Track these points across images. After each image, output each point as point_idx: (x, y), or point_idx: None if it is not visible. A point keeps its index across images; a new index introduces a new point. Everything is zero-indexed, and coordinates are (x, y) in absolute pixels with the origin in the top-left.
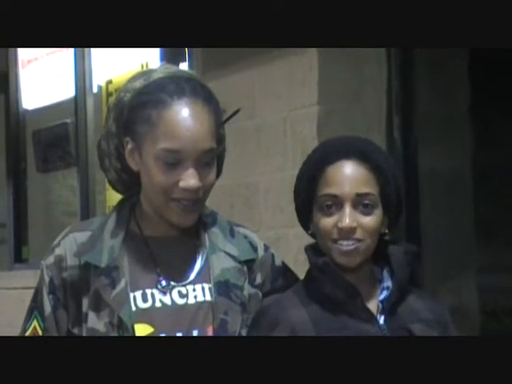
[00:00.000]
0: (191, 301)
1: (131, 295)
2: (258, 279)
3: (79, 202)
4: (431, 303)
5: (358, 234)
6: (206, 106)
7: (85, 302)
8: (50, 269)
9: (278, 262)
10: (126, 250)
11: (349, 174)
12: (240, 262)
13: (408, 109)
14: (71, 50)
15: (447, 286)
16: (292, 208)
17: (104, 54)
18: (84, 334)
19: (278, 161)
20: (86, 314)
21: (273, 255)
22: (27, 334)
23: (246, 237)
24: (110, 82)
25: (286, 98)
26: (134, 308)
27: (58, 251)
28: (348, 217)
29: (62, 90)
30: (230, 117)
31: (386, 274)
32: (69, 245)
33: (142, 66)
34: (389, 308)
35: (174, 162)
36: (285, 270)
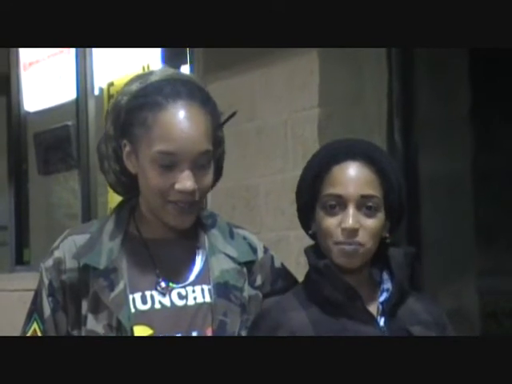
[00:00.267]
0: (191, 302)
1: (130, 297)
2: (258, 281)
3: (80, 205)
4: (430, 305)
5: (360, 236)
6: (202, 108)
7: (84, 305)
8: (49, 271)
9: (277, 264)
10: (125, 252)
11: (354, 175)
12: (240, 264)
13: (408, 112)
14: (73, 53)
15: (448, 289)
16: (293, 210)
17: (105, 56)
18: None
19: (278, 163)
20: (85, 317)
21: (272, 257)
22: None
23: (245, 238)
24: (111, 85)
25: (286, 100)
26: (133, 310)
27: (57, 254)
28: (351, 218)
29: (64, 92)
30: (227, 119)
31: (385, 276)
32: (68, 247)
33: (144, 68)
34: (389, 310)
35: (169, 164)
36: (284, 272)
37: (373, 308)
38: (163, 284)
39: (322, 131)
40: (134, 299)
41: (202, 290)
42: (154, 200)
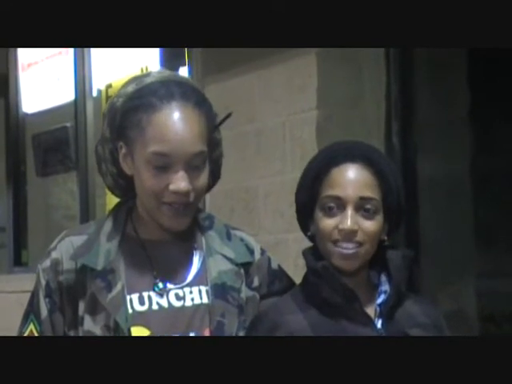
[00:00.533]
0: (188, 303)
1: (128, 298)
2: (255, 282)
3: (79, 206)
4: (427, 308)
5: (359, 238)
6: (196, 109)
7: (81, 306)
8: (47, 272)
9: (274, 266)
10: (123, 253)
11: (353, 178)
12: (237, 265)
13: (407, 113)
14: (71, 54)
15: (447, 291)
16: (292, 212)
17: (104, 58)
18: None
19: (277, 165)
20: (82, 318)
21: (269, 258)
22: None
23: (242, 240)
24: (109, 86)
25: (285, 102)
26: (130, 311)
27: (54, 255)
28: (350, 219)
29: (62, 93)
30: (223, 121)
31: (383, 278)
32: (65, 248)
33: (142, 70)
34: (386, 312)
35: (163, 165)
36: (281, 274)
37: (370, 310)
38: (161, 285)
39: (320, 133)
40: (131, 300)
41: (200, 291)
42: (148, 201)
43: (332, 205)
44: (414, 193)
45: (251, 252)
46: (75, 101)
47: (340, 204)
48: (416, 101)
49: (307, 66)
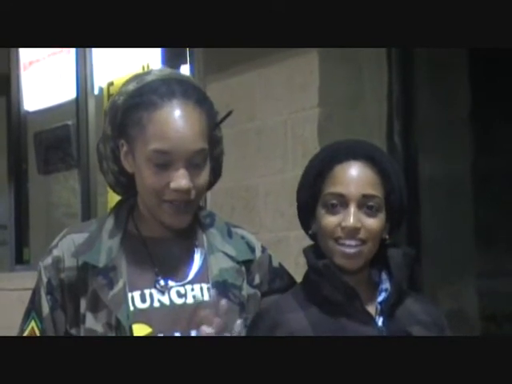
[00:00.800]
0: (190, 300)
1: (129, 295)
2: (257, 279)
3: (80, 204)
4: (428, 306)
5: (362, 235)
6: (197, 107)
7: (83, 303)
8: (48, 270)
9: (275, 263)
10: (124, 250)
11: (356, 175)
12: (238, 263)
13: (408, 113)
14: (73, 52)
15: (447, 291)
16: (292, 211)
17: (105, 56)
18: (82, 335)
19: (278, 163)
20: (84, 315)
21: (270, 256)
22: (25, 335)
23: (243, 237)
24: (111, 84)
25: (286, 100)
26: (132, 308)
27: (55, 252)
28: (353, 216)
29: (64, 91)
30: (223, 119)
31: (384, 276)
32: (66, 246)
33: (143, 68)
34: (387, 310)
35: (164, 163)
36: (282, 272)
37: (371, 308)
38: (162, 282)
39: (321, 132)
40: (133, 297)
41: (201, 289)
42: (149, 199)
43: (335, 202)
44: (414, 192)
45: (252, 250)
46: (77, 99)
47: (343, 201)
48: (417, 101)
49: (309, 65)
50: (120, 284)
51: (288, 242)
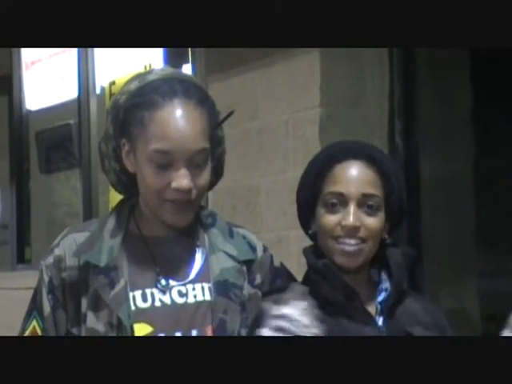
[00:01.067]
0: (191, 300)
1: (131, 295)
2: (258, 279)
3: (82, 203)
4: (428, 306)
5: (362, 234)
6: (198, 107)
7: (84, 302)
8: (50, 269)
9: (276, 263)
10: (126, 250)
11: (356, 174)
12: (239, 262)
13: (410, 114)
14: (75, 52)
15: (448, 291)
16: (294, 210)
17: (107, 56)
18: (83, 334)
19: (279, 163)
20: (85, 314)
21: (271, 256)
22: (26, 334)
23: (244, 237)
24: (113, 83)
25: (288, 100)
26: (133, 307)
27: (57, 251)
28: (352, 215)
29: (66, 90)
30: (225, 119)
31: (383, 275)
32: (68, 245)
33: (145, 67)
34: (387, 310)
35: (165, 163)
36: (283, 272)
37: (371, 308)
38: (163, 282)
39: (323, 131)
40: (134, 297)
41: (202, 288)
42: (151, 198)
43: (334, 201)
44: (416, 192)
45: (253, 249)
46: (78, 98)
47: (343, 200)
48: (418, 101)
49: (310, 65)
50: (121, 283)
51: (289, 242)
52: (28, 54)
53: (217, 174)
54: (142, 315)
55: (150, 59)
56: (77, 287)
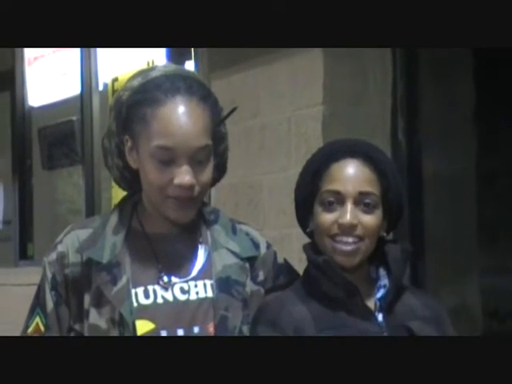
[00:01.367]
0: (193, 297)
1: (133, 291)
2: (261, 276)
3: (84, 200)
4: (427, 300)
5: (359, 232)
6: (201, 103)
7: (86, 299)
8: (53, 265)
9: (280, 260)
10: (128, 246)
11: (353, 173)
12: (242, 259)
13: (412, 111)
14: (77, 48)
15: (450, 288)
16: None
17: (110, 52)
18: (85, 331)
19: (282, 160)
20: (88, 311)
21: (275, 252)
22: (29, 330)
23: (247, 234)
24: (115, 80)
25: (290, 97)
26: (135, 304)
27: (60, 248)
28: (349, 213)
29: (68, 87)
30: (227, 115)
31: (382, 272)
32: (71, 242)
33: (148, 64)
34: (386, 306)
35: (168, 159)
36: (287, 268)
37: (370, 304)
38: (166, 278)
39: (325, 129)
40: (136, 294)
41: (205, 285)
42: (153, 195)
43: (332, 199)
44: (418, 190)
45: (256, 246)
46: (81, 94)
47: (339, 199)
48: (421, 99)
49: (313, 62)
50: (123, 280)
51: (291, 239)
52: (31, 50)
53: (220, 170)
54: (144, 312)
55: (153, 56)
56: (79, 284)
